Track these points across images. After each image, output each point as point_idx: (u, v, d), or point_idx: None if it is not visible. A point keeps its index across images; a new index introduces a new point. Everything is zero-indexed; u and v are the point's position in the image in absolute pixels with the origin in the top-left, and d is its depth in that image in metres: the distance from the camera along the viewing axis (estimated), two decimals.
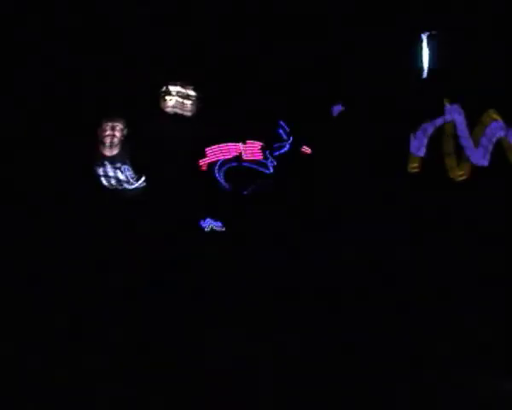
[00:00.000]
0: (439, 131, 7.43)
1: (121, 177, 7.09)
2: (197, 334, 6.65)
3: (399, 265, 7.34)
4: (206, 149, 7.44)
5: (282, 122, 7.65)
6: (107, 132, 7.01)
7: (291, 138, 7.60)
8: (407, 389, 5.90)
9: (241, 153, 7.55)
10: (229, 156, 7.51)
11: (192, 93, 7.37)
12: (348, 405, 5.53)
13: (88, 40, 7.32)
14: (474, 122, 7.36)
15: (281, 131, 7.61)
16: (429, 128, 7.44)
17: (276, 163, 7.61)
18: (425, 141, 7.42)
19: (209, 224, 7.48)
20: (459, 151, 7.39)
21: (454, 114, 7.39)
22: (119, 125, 7.13)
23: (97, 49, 7.30)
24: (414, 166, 7.47)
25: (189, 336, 6.58)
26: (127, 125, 7.16)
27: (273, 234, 7.55)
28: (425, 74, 7.47)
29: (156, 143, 7.20)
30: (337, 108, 7.77)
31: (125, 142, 7.13)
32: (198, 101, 7.45)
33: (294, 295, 7.20)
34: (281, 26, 7.61)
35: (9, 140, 7.17)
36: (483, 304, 6.91)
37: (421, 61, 7.44)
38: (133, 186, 7.14)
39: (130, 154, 7.16)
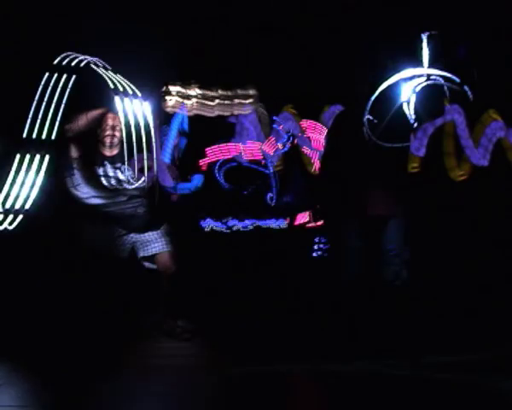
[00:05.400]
0: (439, 131, 7.48)
1: (121, 177, 6.99)
2: None
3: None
4: (206, 149, 7.44)
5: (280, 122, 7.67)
6: (107, 132, 6.92)
7: (291, 138, 7.62)
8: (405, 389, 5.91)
9: (240, 153, 7.56)
10: (229, 156, 7.52)
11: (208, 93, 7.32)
12: None
13: (87, 39, 7.28)
14: (474, 122, 7.44)
15: (280, 131, 7.63)
16: (429, 128, 7.47)
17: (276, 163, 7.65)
18: (425, 141, 7.45)
19: (209, 224, 7.47)
20: (459, 151, 7.45)
21: (454, 114, 7.43)
22: (119, 125, 7.04)
23: (97, 48, 7.26)
24: (414, 166, 7.48)
25: None
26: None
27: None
28: (425, 75, 7.51)
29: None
30: (336, 108, 7.79)
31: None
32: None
33: None
34: (280, 24, 7.64)
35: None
36: (483, 304, 6.96)
37: (422, 61, 7.49)
38: (133, 186, 7.06)
39: (131, 154, 7.11)
